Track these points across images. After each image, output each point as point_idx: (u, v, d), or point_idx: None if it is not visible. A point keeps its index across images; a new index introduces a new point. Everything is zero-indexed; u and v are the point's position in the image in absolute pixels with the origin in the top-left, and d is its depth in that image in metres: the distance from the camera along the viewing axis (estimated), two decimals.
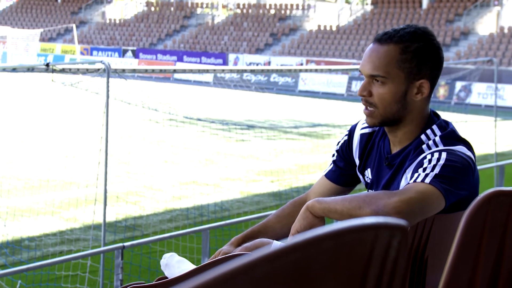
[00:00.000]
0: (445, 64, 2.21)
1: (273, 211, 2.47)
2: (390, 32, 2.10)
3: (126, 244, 5.39)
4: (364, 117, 2.29)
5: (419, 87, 2.11)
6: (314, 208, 1.96)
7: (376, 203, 1.87)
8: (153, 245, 7.55)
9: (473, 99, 25.95)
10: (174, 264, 2.02)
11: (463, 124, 16.69)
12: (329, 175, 2.37)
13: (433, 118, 2.16)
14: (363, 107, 2.15)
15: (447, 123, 2.15)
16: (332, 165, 2.37)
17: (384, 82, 2.08)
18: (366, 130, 2.29)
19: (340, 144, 2.36)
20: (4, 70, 7.09)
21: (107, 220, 7.02)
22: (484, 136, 16.12)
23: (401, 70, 2.08)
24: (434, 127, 2.13)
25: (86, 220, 8.86)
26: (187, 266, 2.02)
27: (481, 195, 1.41)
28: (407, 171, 2.08)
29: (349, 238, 1.01)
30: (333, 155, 2.38)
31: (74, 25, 39.95)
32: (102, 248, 5.72)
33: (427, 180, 1.93)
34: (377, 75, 2.08)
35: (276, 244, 2.05)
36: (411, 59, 2.07)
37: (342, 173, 2.35)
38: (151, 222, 9.08)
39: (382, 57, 2.08)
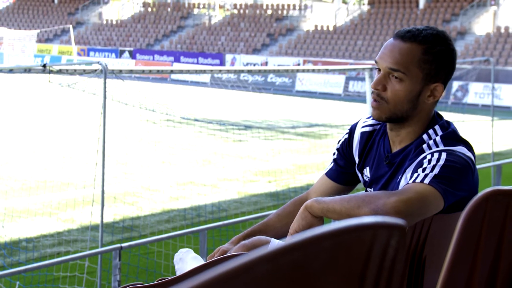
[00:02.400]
0: None
1: (271, 212, 2.48)
2: (413, 31, 2.09)
3: (123, 245, 5.39)
4: (365, 116, 2.29)
5: (433, 90, 2.11)
6: (312, 208, 1.96)
7: (375, 203, 1.87)
8: (151, 246, 7.55)
9: (470, 98, 25.98)
10: (188, 260, 2.02)
11: (460, 123, 16.71)
12: (329, 174, 2.37)
13: (436, 118, 2.17)
14: (372, 101, 2.15)
15: (448, 123, 2.16)
16: (332, 163, 2.37)
17: (402, 79, 2.08)
18: (367, 129, 2.29)
19: (340, 142, 2.36)
20: (0, 71, 7.08)
21: (105, 221, 7.02)
22: (481, 136, 16.14)
23: (421, 70, 2.08)
24: (436, 127, 2.13)
25: (84, 221, 8.85)
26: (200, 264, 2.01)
27: (479, 194, 1.42)
28: (407, 170, 2.08)
29: (348, 237, 1.02)
30: (334, 154, 2.38)
31: (71, 26, 39.91)
32: (99, 249, 5.71)
33: (426, 180, 1.94)
34: (397, 70, 2.08)
35: (274, 242, 2.05)
36: (432, 61, 2.08)
37: (343, 172, 2.35)
38: (148, 223, 9.07)
39: (405, 53, 2.07)
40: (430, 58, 2.08)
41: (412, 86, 2.08)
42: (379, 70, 2.13)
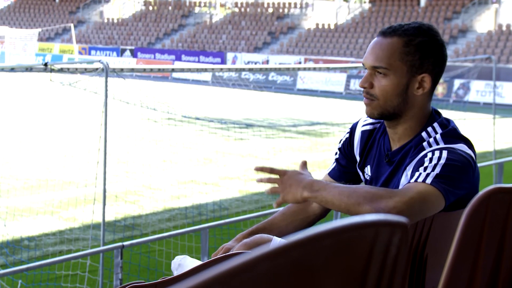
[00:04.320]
0: None
1: (272, 210, 2.49)
2: (395, 26, 2.11)
3: (125, 243, 5.39)
4: (365, 114, 2.29)
5: (421, 81, 2.10)
6: (304, 193, 1.99)
7: (376, 202, 1.87)
8: (152, 245, 7.55)
9: (471, 96, 25.95)
10: (188, 264, 2.02)
11: (461, 122, 16.69)
12: (332, 174, 2.37)
13: (434, 116, 2.16)
14: (364, 99, 2.15)
15: (448, 121, 2.15)
16: (335, 163, 2.38)
17: (386, 74, 2.08)
18: (367, 127, 2.29)
19: (342, 142, 2.36)
20: (2, 70, 7.09)
21: (106, 219, 7.02)
22: (482, 134, 16.12)
23: (404, 63, 2.08)
24: (435, 124, 2.12)
25: (85, 219, 8.85)
26: None
27: (481, 192, 1.41)
28: (407, 168, 2.08)
29: (350, 235, 1.02)
30: (336, 153, 2.38)
31: (72, 25, 39.90)
32: (101, 248, 5.71)
33: (428, 180, 1.94)
34: (379, 67, 2.08)
35: (276, 240, 2.06)
36: (414, 52, 2.08)
37: (345, 171, 2.35)
38: (150, 222, 9.08)
39: (385, 49, 2.08)
40: (411, 50, 2.07)
41: (398, 79, 2.08)
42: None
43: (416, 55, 2.08)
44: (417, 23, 2.11)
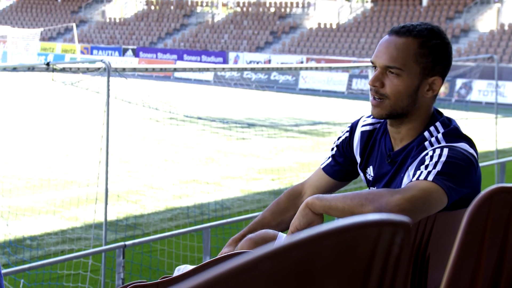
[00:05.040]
0: None
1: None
2: (408, 25, 2.09)
3: (127, 243, 5.39)
4: (366, 114, 2.28)
5: (431, 83, 2.10)
6: (314, 205, 1.96)
7: (378, 201, 1.86)
8: (154, 244, 7.55)
9: (473, 96, 25.92)
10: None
11: (463, 121, 16.67)
12: (326, 169, 2.35)
13: (436, 115, 2.15)
14: (371, 98, 2.14)
15: (450, 120, 2.15)
16: (330, 159, 2.35)
17: (399, 74, 2.07)
18: (367, 128, 2.27)
19: (341, 139, 2.34)
20: (4, 69, 7.09)
21: (108, 219, 7.02)
22: (484, 133, 16.11)
23: (418, 64, 2.07)
24: (438, 124, 2.12)
25: (87, 219, 8.86)
26: None
27: (483, 192, 1.41)
28: (409, 168, 2.07)
29: (352, 235, 1.01)
30: (332, 149, 2.36)
31: (74, 24, 39.92)
32: (103, 247, 5.72)
33: (430, 177, 1.93)
34: (393, 67, 2.06)
35: (282, 236, 2.05)
36: (428, 55, 2.07)
37: (341, 169, 2.33)
38: (152, 221, 9.08)
39: (401, 49, 2.06)
40: (426, 52, 2.07)
41: (410, 80, 2.07)
42: (375, 68, 2.12)
43: (429, 57, 2.07)
44: (428, 25, 2.10)
